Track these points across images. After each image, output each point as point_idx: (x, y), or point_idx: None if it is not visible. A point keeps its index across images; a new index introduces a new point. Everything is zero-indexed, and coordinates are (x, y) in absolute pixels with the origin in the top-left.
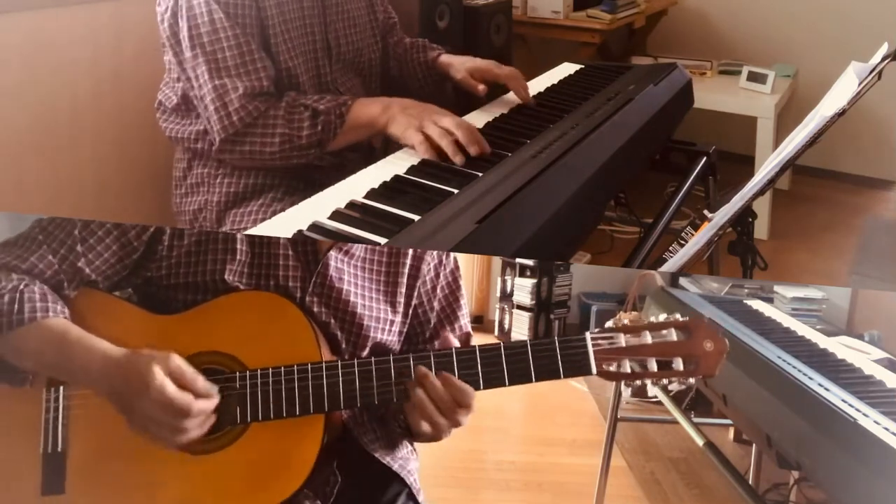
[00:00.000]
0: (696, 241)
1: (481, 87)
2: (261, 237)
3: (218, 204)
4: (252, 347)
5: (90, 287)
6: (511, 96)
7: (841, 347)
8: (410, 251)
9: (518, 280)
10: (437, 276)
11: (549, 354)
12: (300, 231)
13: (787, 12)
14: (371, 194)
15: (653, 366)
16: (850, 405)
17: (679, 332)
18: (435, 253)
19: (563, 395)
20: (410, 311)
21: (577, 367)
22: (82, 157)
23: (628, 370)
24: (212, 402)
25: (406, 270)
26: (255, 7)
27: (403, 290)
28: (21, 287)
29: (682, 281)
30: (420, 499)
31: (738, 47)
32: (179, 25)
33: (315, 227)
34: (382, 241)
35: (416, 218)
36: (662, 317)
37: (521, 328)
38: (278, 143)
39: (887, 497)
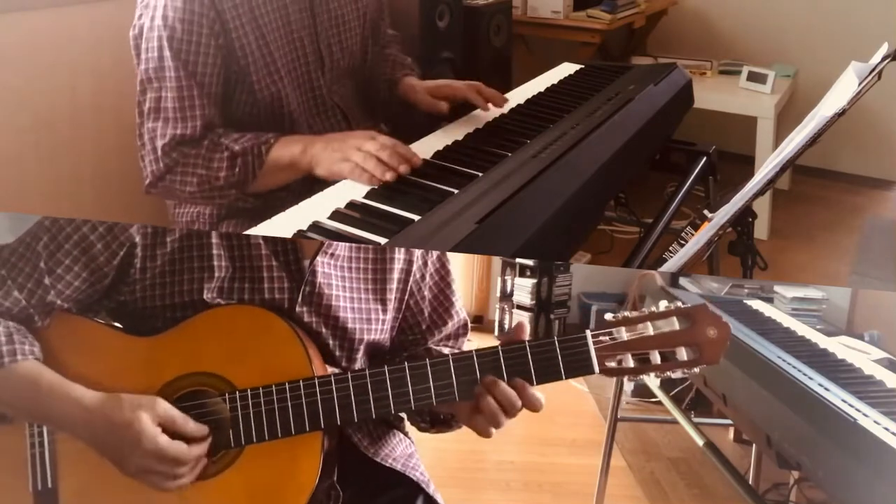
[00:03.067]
0: (696, 241)
1: (443, 104)
2: (240, 244)
3: (211, 216)
4: (240, 365)
5: (62, 312)
6: (511, 96)
7: (841, 347)
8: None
9: (518, 280)
10: (426, 264)
11: (550, 356)
12: (300, 231)
13: (787, 12)
14: (371, 194)
15: (656, 358)
16: (850, 405)
17: (681, 319)
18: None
19: (563, 395)
20: (403, 306)
21: (578, 366)
22: (82, 157)
23: (631, 365)
24: (205, 446)
25: (396, 266)
26: (213, 45)
27: (394, 286)
28: None
29: (682, 281)
30: (431, 489)
31: (738, 47)
32: (139, 58)
33: (315, 226)
34: (383, 241)
35: (417, 218)
36: (663, 304)
37: None
38: (196, 184)
39: (887, 497)
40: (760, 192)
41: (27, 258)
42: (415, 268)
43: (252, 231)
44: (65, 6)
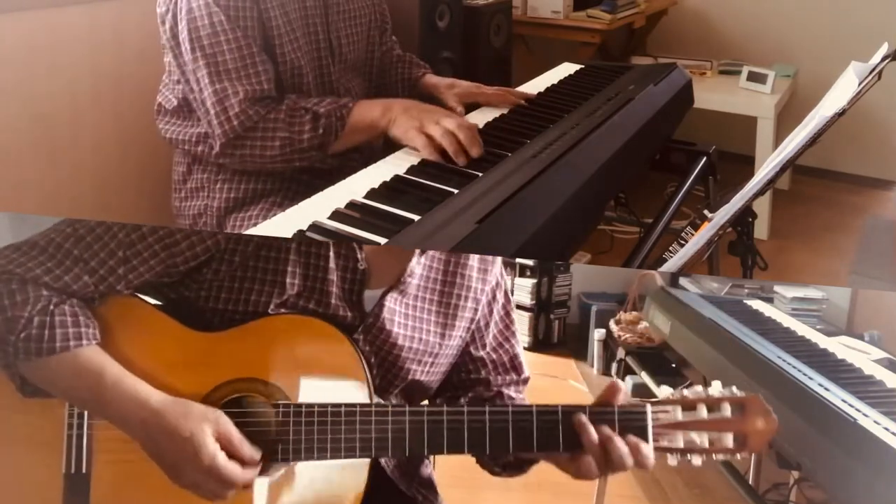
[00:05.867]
0: (696, 241)
1: (459, 108)
2: (315, 264)
3: (218, 209)
4: (297, 379)
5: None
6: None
7: (841, 347)
8: (468, 293)
9: (518, 280)
10: (491, 312)
11: (608, 424)
12: (300, 231)
13: (787, 12)
14: (371, 194)
15: (704, 441)
16: (850, 405)
17: (733, 407)
18: (488, 288)
19: (564, 395)
20: (458, 353)
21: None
22: (82, 157)
23: (681, 445)
24: (255, 471)
25: (462, 314)
26: (255, 9)
27: (455, 332)
28: (51, 308)
29: (682, 281)
30: None
31: (738, 47)
32: (179, 27)
33: (315, 227)
34: (382, 241)
35: (416, 218)
36: (717, 388)
37: (521, 328)
38: (279, 147)
39: (887, 497)
40: (760, 192)
41: (105, 242)
42: (478, 316)
43: (253, 231)
44: (65, 6)
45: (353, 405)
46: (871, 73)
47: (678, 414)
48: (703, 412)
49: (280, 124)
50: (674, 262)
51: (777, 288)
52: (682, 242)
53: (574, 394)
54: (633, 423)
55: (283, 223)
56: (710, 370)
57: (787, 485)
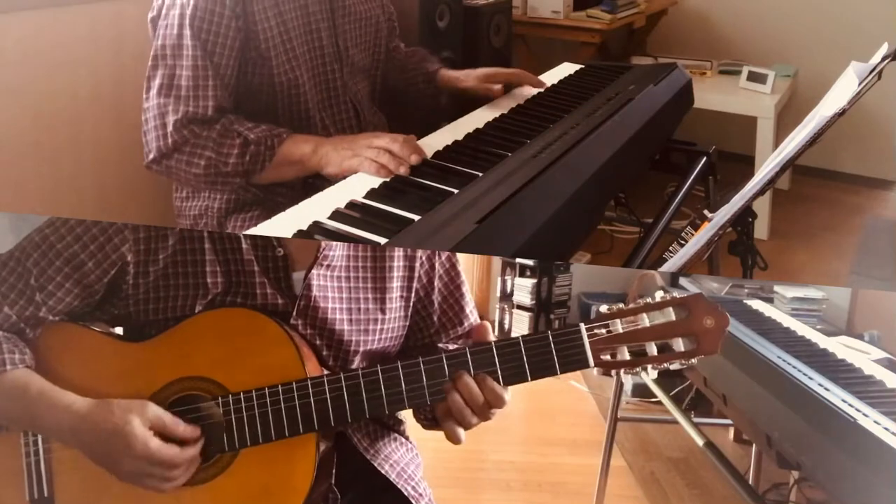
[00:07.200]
0: (696, 241)
1: (497, 87)
2: (234, 259)
3: (219, 210)
4: (232, 369)
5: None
6: (510, 96)
7: (841, 347)
8: (398, 251)
9: (518, 280)
10: (433, 267)
11: (544, 350)
12: (300, 231)
13: (787, 12)
14: (371, 194)
15: (652, 350)
16: (850, 405)
17: (677, 310)
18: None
19: (563, 395)
20: (409, 312)
21: (573, 360)
22: (82, 158)
23: (627, 357)
24: (197, 447)
25: (396, 273)
26: (233, 27)
27: (395, 294)
28: None
29: (682, 281)
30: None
31: (738, 47)
32: (155, 34)
33: (315, 226)
34: (382, 241)
35: (416, 218)
36: (658, 295)
37: (521, 328)
38: (203, 167)
39: (887, 497)
40: (760, 192)
41: (18, 274)
42: (420, 272)
43: (253, 231)
44: (65, 6)
45: (289, 383)
46: (871, 73)
47: (618, 327)
48: (644, 321)
49: (210, 143)
50: (674, 262)
51: (777, 288)
52: (682, 242)
53: (575, 394)
54: (568, 345)
55: (284, 223)
56: (709, 370)
57: (787, 485)
